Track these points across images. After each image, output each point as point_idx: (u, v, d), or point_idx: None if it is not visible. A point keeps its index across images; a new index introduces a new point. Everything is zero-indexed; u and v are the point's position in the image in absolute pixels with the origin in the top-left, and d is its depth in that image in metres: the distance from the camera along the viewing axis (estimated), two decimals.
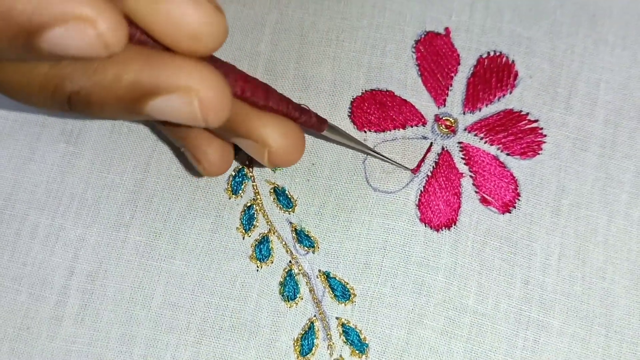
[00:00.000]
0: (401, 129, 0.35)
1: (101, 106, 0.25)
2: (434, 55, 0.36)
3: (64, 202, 0.35)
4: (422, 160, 0.34)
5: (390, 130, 0.35)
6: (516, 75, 0.36)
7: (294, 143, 0.29)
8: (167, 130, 0.33)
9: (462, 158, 0.35)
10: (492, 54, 0.36)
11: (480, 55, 0.36)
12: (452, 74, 0.36)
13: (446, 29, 0.37)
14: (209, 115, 0.25)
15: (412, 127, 0.35)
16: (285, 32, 0.37)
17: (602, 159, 0.35)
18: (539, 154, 0.35)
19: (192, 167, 0.35)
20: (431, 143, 0.35)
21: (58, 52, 0.23)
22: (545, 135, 0.35)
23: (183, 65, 0.25)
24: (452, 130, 0.35)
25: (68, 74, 0.25)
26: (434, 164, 0.35)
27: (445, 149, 0.35)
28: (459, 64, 0.36)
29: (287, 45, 0.37)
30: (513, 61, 0.36)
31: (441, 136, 0.35)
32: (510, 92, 0.36)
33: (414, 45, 0.36)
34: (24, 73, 0.25)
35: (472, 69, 0.36)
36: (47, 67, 0.25)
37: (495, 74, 0.36)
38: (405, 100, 0.35)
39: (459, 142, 0.35)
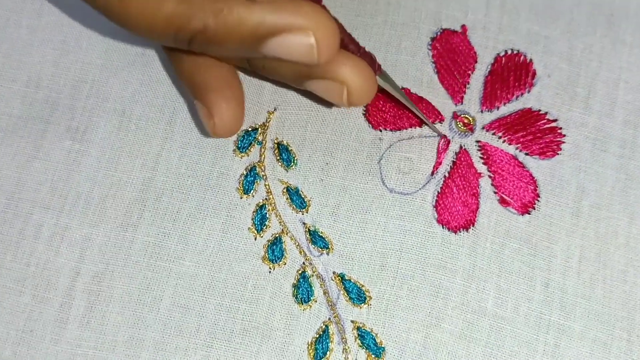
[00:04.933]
0: (417, 127, 0.35)
1: (222, 44, 0.29)
2: (451, 52, 0.36)
3: (69, 201, 0.35)
4: (441, 155, 0.34)
5: (406, 129, 0.35)
6: (534, 74, 0.36)
7: (370, 81, 0.31)
8: (188, 79, 0.33)
9: (480, 157, 0.35)
10: (509, 52, 0.37)
11: (498, 54, 0.37)
12: (469, 72, 0.36)
13: (462, 26, 0.37)
14: (322, 52, 0.28)
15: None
16: None
17: (622, 160, 0.35)
18: (558, 154, 0.35)
19: (203, 165, 0.35)
20: (445, 136, 0.35)
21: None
22: (564, 135, 0.35)
23: (302, 8, 0.28)
24: (470, 128, 0.35)
25: (194, 13, 0.28)
26: (451, 164, 0.35)
27: (463, 148, 0.35)
28: (476, 61, 0.36)
29: None
30: (531, 60, 0.36)
31: (459, 134, 0.35)
32: (529, 91, 0.36)
33: (430, 43, 0.37)
34: (151, 9, 0.28)
35: (489, 67, 0.36)
36: (175, 4, 0.28)
37: (513, 72, 0.36)
38: (421, 97, 0.36)
39: (477, 141, 0.35)
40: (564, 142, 0.35)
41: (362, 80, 0.30)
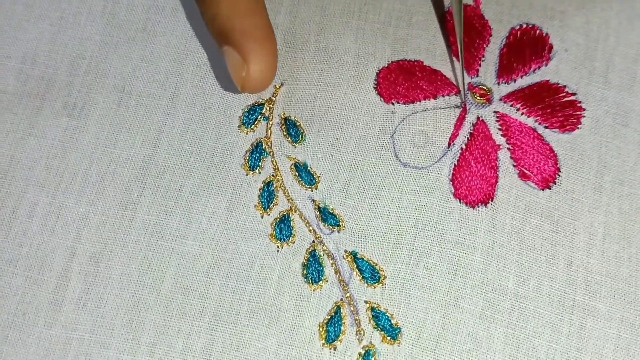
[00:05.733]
0: (432, 99, 0.34)
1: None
2: (464, 26, 0.35)
3: (65, 178, 0.33)
4: (456, 131, 0.33)
5: (420, 101, 0.34)
6: (551, 47, 0.35)
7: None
8: (224, 23, 0.32)
9: (498, 129, 0.33)
10: (524, 25, 0.35)
11: (513, 27, 0.35)
12: (484, 45, 0.35)
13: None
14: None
15: (443, 96, 0.34)
16: (305, 4, 0.36)
17: None
18: (578, 128, 0.34)
19: (206, 141, 0.34)
20: (464, 105, 0.33)
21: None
22: (584, 109, 0.34)
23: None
24: (487, 99, 0.34)
25: None
26: (468, 135, 0.33)
27: (480, 119, 0.33)
28: (490, 35, 0.35)
29: (307, 16, 0.36)
30: (547, 34, 0.35)
31: (476, 105, 0.34)
32: (546, 65, 0.35)
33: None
34: None
35: (504, 40, 0.35)
36: None
37: (528, 45, 0.35)
38: (435, 70, 0.34)
39: (495, 112, 0.34)
40: (584, 116, 0.34)
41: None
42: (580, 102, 0.34)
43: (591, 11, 0.36)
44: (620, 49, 0.35)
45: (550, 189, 0.33)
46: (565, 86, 0.34)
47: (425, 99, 0.34)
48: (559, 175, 0.33)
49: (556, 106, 0.34)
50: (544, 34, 0.35)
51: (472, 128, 0.33)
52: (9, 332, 0.31)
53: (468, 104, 0.34)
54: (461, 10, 0.32)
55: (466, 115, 0.33)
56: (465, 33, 0.35)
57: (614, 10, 0.36)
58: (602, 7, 0.36)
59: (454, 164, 0.33)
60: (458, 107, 0.34)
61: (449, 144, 0.33)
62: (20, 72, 0.36)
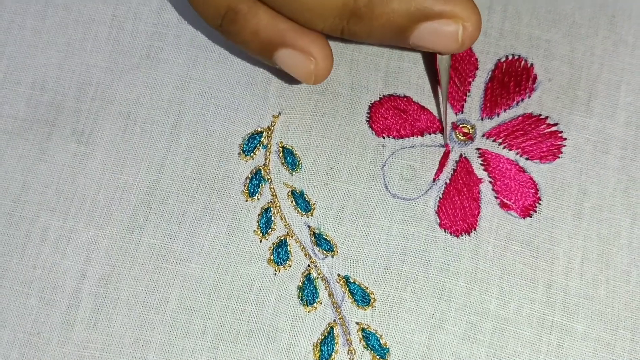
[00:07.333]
0: (419, 136, 0.36)
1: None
2: (452, 59, 0.37)
3: (75, 203, 0.36)
4: (440, 168, 0.35)
5: (408, 137, 0.36)
6: (535, 78, 0.37)
7: (480, 16, 0.31)
8: (269, 30, 0.32)
9: (480, 164, 0.36)
10: (510, 57, 0.37)
11: (499, 60, 0.37)
12: (470, 79, 0.37)
13: None
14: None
15: (430, 134, 0.36)
16: None
17: (624, 161, 0.36)
18: (559, 157, 0.36)
19: (208, 168, 0.36)
20: (447, 145, 0.36)
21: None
22: (565, 139, 0.36)
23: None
24: (469, 137, 0.36)
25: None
26: (452, 171, 0.35)
27: (463, 156, 0.36)
28: (477, 68, 0.37)
29: None
30: (532, 64, 0.37)
31: (459, 144, 0.36)
32: (529, 96, 0.37)
33: None
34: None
35: (490, 73, 0.37)
36: None
37: (513, 78, 0.37)
38: (422, 107, 0.36)
39: (477, 149, 0.36)
40: (564, 146, 0.36)
41: (478, 14, 0.30)
42: (561, 132, 0.36)
43: (576, 38, 0.38)
44: (604, 76, 0.37)
45: (531, 217, 0.35)
46: (547, 117, 0.36)
47: (413, 136, 0.36)
48: (540, 204, 0.35)
49: (538, 138, 0.36)
50: (529, 65, 0.37)
51: (455, 165, 0.36)
52: (25, 350, 0.34)
53: (451, 143, 0.36)
54: (448, 70, 0.34)
55: (449, 154, 0.36)
56: (453, 67, 0.37)
57: (599, 36, 0.38)
58: (588, 34, 0.38)
59: (439, 197, 0.35)
60: (442, 146, 0.36)
61: (434, 179, 0.35)
62: (30, 98, 0.38)
